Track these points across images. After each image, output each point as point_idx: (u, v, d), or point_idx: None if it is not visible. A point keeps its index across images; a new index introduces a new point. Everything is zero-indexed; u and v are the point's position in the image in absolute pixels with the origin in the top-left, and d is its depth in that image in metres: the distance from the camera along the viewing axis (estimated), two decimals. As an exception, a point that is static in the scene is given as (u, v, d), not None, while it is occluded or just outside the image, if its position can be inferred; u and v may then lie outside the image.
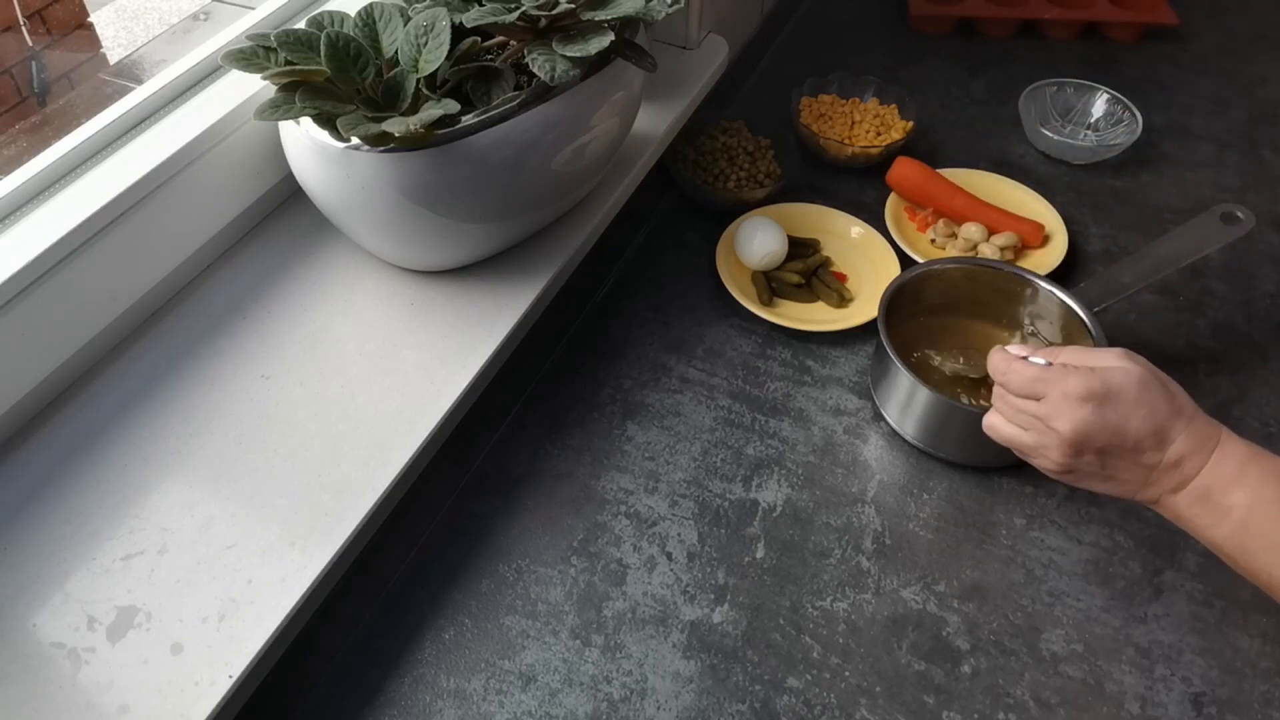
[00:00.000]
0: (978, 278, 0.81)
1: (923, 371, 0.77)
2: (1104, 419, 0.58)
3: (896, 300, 0.78)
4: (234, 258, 0.75)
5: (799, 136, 1.04)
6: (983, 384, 0.78)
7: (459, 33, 0.63)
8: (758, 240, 0.88)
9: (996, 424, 0.65)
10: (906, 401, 0.75)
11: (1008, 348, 0.65)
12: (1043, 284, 0.78)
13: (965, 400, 0.77)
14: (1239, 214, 0.79)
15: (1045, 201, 0.96)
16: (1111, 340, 0.73)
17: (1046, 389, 0.60)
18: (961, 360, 0.79)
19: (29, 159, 0.64)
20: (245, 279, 0.74)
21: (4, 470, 0.62)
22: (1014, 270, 0.80)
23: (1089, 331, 0.74)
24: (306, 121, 0.63)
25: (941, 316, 0.82)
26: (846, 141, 1.01)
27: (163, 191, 0.66)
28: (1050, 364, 0.62)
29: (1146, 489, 0.59)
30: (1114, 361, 0.60)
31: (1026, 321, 0.80)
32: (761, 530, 0.72)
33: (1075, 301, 0.75)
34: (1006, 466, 0.75)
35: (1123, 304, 0.79)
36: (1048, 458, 0.61)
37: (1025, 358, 0.63)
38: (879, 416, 0.79)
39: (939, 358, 0.80)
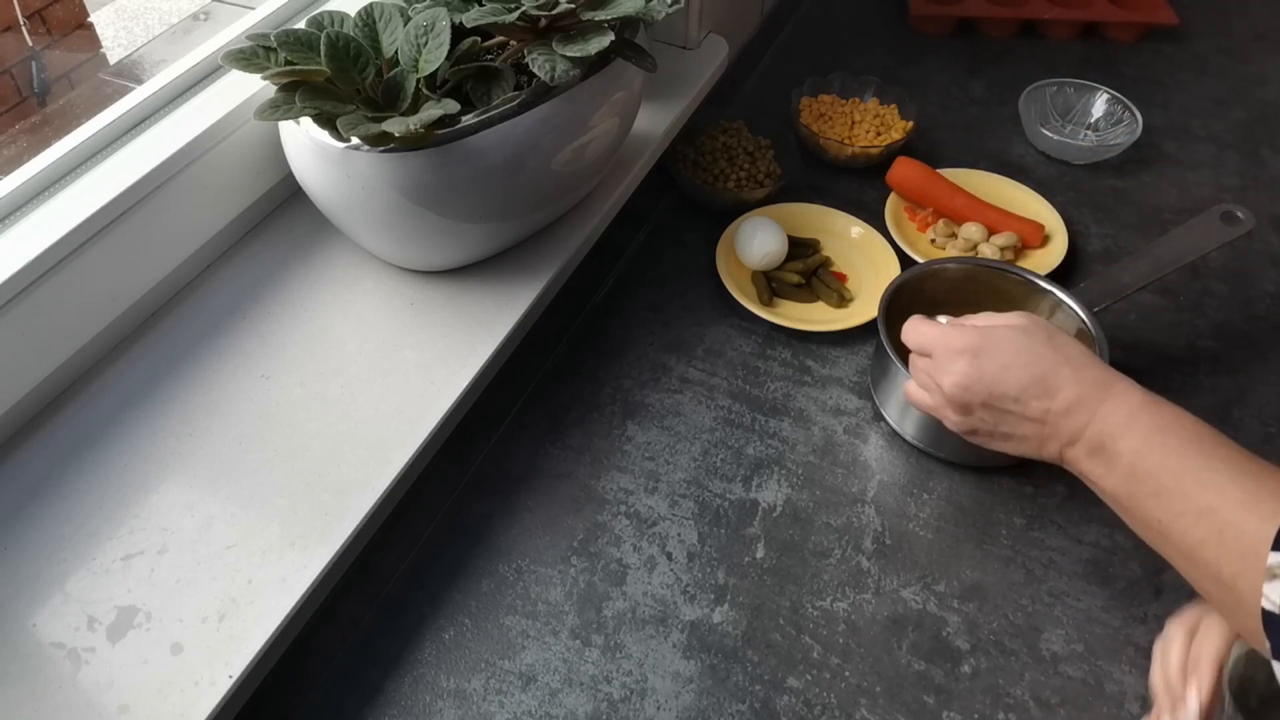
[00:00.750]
0: (978, 277, 0.81)
1: None
2: (980, 370, 0.59)
3: (896, 300, 0.78)
4: (234, 258, 0.75)
5: (799, 136, 1.04)
6: None
7: (459, 33, 0.63)
8: (758, 240, 0.88)
9: (909, 388, 0.67)
10: (907, 401, 0.75)
11: (923, 317, 0.66)
12: (1043, 284, 0.78)
13: None
14: (1239, 214, 0.79)
15: (1045, 201, 0.96)
16: (1111, 340, 0.73)
17: (933, 346, 0.62)
18: None
19: (29, 159, 0.64)
20: (245, 279, 0.74)
21: (4, 470, 0.62)
22: (1014, 270, 0.80)
23: (1089, 332, 0.74)
24: (306, 121, 0.63)
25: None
26: (846, 141, 1.01)
27: (163, 191, 0.66)
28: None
29: (1046, 444, 0.59)
30: (1008, 320, 0.61)
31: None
32: (761, 530, 0.72)
33: (1075, 301, 0.75)
34: (1006, 466, 0.75)
35: (1123, 304, 0.79)
36: (946, 417, 0.63)
37: (934, 322, 0.65)
38: (879, 416, 0.79)
39: None
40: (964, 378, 0.60)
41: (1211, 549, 0.49)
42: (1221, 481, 0.50)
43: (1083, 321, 0.75)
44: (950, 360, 0.61)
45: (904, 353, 0.75)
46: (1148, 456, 0.53)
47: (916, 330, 0.65)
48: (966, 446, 0.74)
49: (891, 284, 0.79)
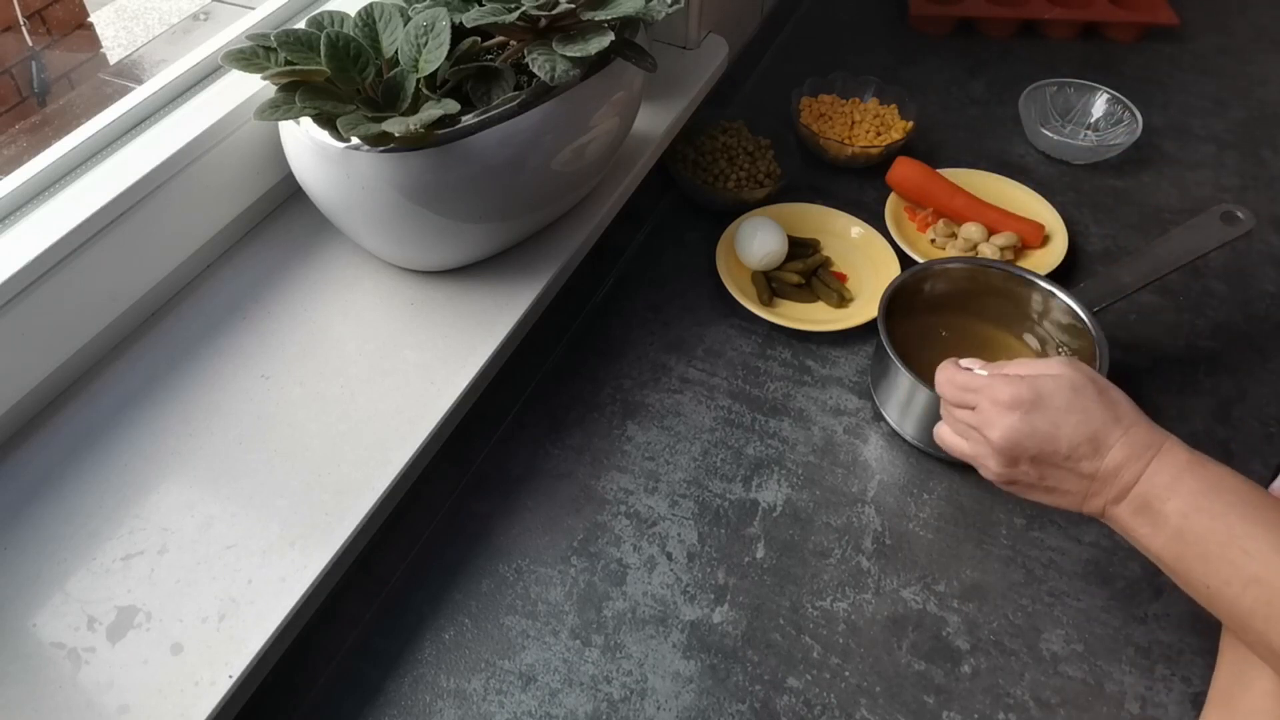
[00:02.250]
0: (978, 277, 0.81)
1: (924, 372, 0.77)
2: (1033, 426, 0.57)
3: (897, 300, 0.78)
4: (234, 258, 0.75)
5: (799, 136, 1.04)
6: None
7: (459, 33, 0.63)
8: (758, 240, 0.88)
9: (942, 433, 0.65)
10: (907, 401, 0.75)
11: (959, 361, 0.64)
12: (1043, 284, 0.78)
13: None
14: (1239, 214, 0.79)
15: (1045, 201, 0.96)
16: (1111, 340, 0.73)
17: (977, 398, 0.60)
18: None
19: (29, 159, 0.64)
20: (245, 279, 0.74)
21: (4, 470, 0.62)
22: (1014, 270, 0.80)
23: (1089, 332, 0.74)
24: (306, 121, 0.63)
25: (942, 316, 0.82)
26: (846, 141, 1.01)
27: (163, 191, 0.66)
28: (989, 375, 0.61)
29: (1090, 500, 0.58)
30: (1051, 369, 0.59)
31: (1036, 319, 0.80)
32: (761, 530, 0.72)
33: (1075, 302, 0.75)
34: None
35: (1123, 304, 0.79)
36: (987, 467, 0.60)
37: (971, 370, 0.62)
38: (879, 416, 0.79)
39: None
40: (1014, 433, 0.57)
41: (1260, 620, 0.49)
42: (1266, 551, 0.50)
43: (1082, 322, 0.75)
44: (1000, 414, 0.58)
45: (904, 353, 0.75)
46: (1194, 520, 0.53)
47: (954, 380, 0.62)
48: None
49: (891, 284, 0.79)
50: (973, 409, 0.60)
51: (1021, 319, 0.81)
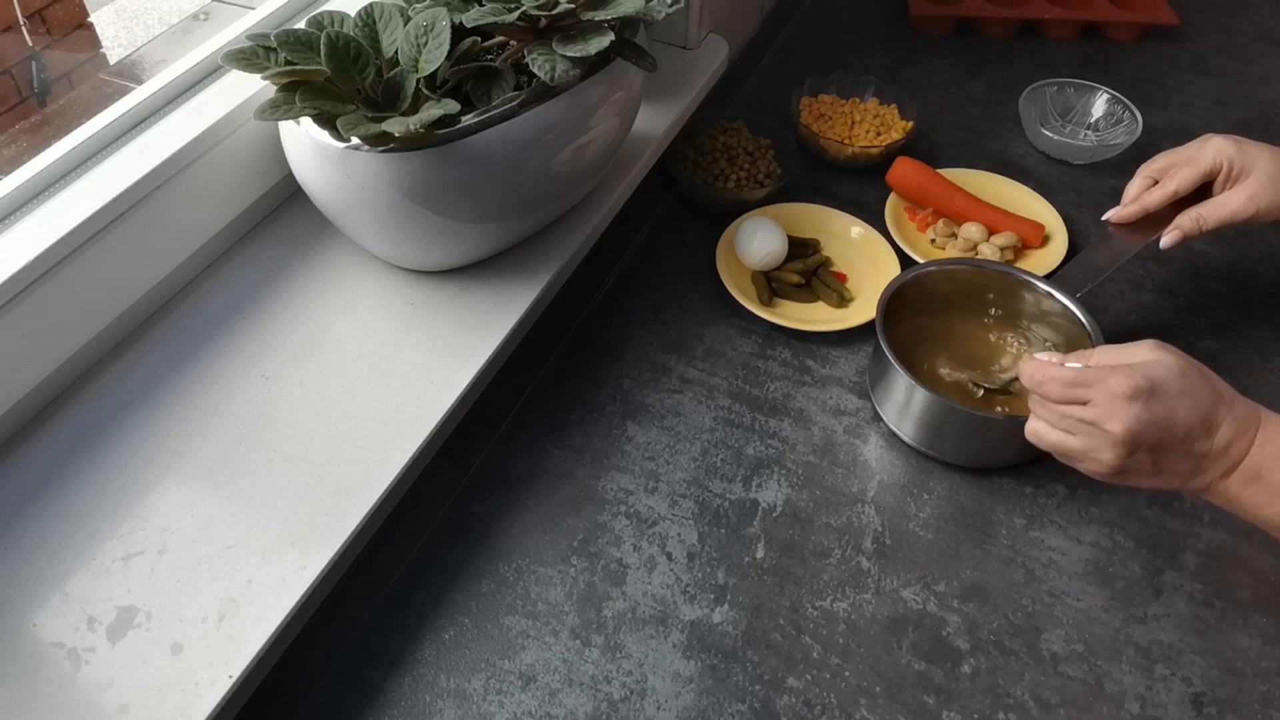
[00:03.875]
0: (975, 278, 0.81)
1: (922, 374, 0.77)
2: (1153, 414, 0.57)
3: (895, 302, 0.78)
4: (234, 258, 0.75)
5: (799, 136, 1.04)
6: (999, 393, 0.78)
7: (459, 33, 0.63)
8: (758, 240, 0.88)
9: (1041, 430, 0.63)
10: (905, 403, 0.75)
11: (1037, 355, 0.64)
12: (1040, 284, 0.78)
13: (971, 395, 0.77)
14: None
15: (1045, 201, 0.96)
16: (1111, 340, 0.73)
17: (1090, 392, 0.59)
18: (972, 376, 0.79)
19: (29, 159, 0.64)
20: (245, 279, 0.74)
21: (4, 470, 0.62)
22: (1011, 271, 0.80)
23: (1087, 330, 0.74)
24: (306, 121, 0.63)
25: (940, 317, 0.82)
26: (846, 141, 1.01)
27: (163, 191, 0.66)
28: (1085, 366, 0.60)
29: (1196, 477, 0.59)
30: (1148, 354, 0.59)
31: (1032, 318, 0.80)
32: (761, 530, 0.72)
33: (1074, 304, 0.75)
34: (1006, 467, 0.75)
35: (1123, 304, 0.79)
36: (1099, 460, 0.59)
37: (1061, 364, 0.62)
38: (879, 417, 0.79)
39: (948, 369, 0.80)
40: (1138, 424, 0.57)
41: None
42: None
43: (1080, 323, 0.74)
44: (1121, 406, 0.57)
45: (902, 354, 0.74)
46: None
47: (1058, 376, 0.61)
48: (965, 447, 0.75)
49: (888, 287, 0.79)
50: (1084, 404, 0.59)
51: (1017, 317, 0.81)
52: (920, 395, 0.72)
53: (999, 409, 0.77)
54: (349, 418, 0.65)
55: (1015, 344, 0.81)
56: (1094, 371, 0.59)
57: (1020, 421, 0.65)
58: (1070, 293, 0.76)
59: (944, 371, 0.80)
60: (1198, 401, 0.58)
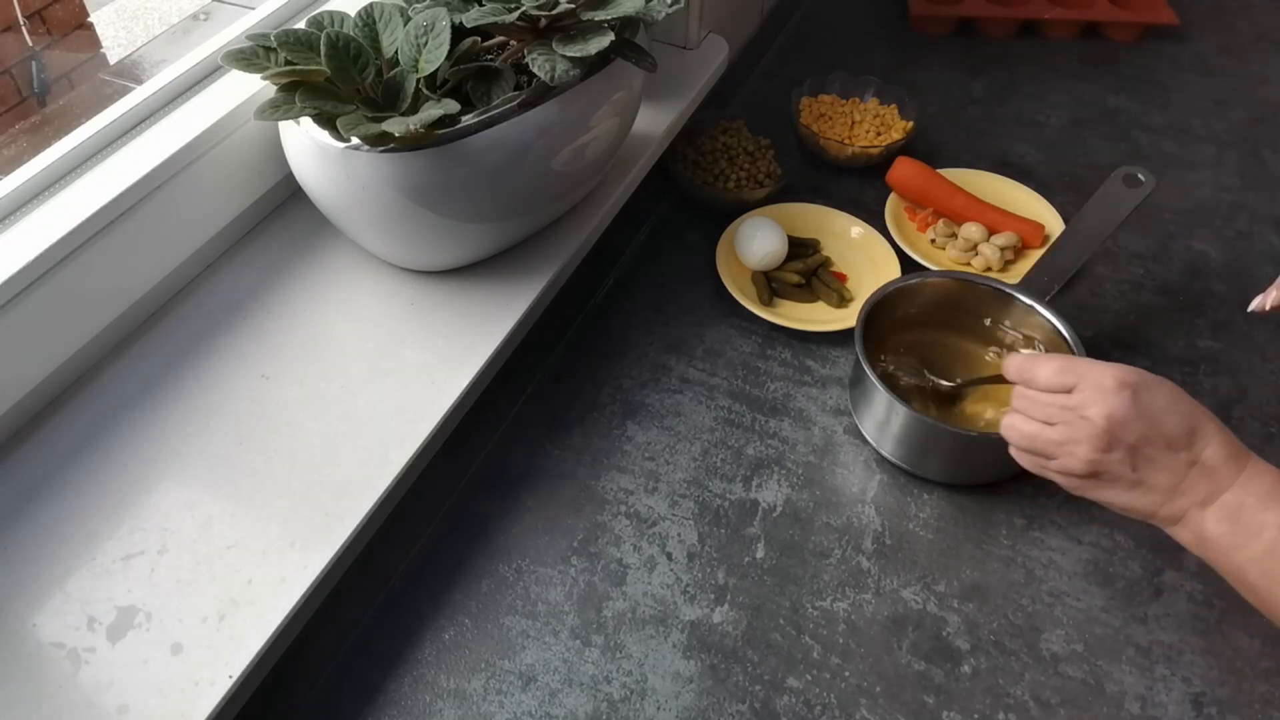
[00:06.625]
0: (952, 291, 0.79)
1: (902, 392, 0.75)
2: (1140, 407, 0.55)
3: (874, 320, 0.77)
4: (234, 258, 0.75)
5: (799, 136, 1.04)
6: (956, 398, 0.78)
7: (459, 33, 0.63)
8: (758, 240, 0.88)
9: (1017, 422, 0.61)
10: (885, 420, 0.74)
11: (1022, 351, 0.63)
12: (1022, 298, 0.76)
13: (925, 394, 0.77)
14: (1140, 175, 0.80)
15: (1045, 201, 0.96)
16: (1112, 340, 0.73)
17: (1078, 379, 0.57)
18: (924, 374, 0.78)
19: (29, 159, 0.64)
20: (245, 279, 0.74)
21: (4, 470, 0.62)
22: (984, 281, 0.79)
23: (1065, 339, 0.73)
24: (306, 121, 0.63)
25: (915, 332, 0.81)
26: (846, 141, 1.01)
27: (162, 192, 0.66)
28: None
29: (1174, 500, 0.56)
30: (1138, 370, 0.58)
31: (1007, 328, 0.79)
32: (761, 530, 0.72)
33: (1048, 310, 0.75)
34: (988, 484, 0.75)
35: (1123, 304, 0.79)
36: (1075, 455, 0.57)
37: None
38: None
39: (902, 373, 0.78)
40: (1122, 412, 0.55)
41: None
42: None
43: (1059, 332, 0.74)
44: (1108, 394, 0.56)
45: (884, 375, 0.73)
46: None
47: (1045, 364, 0.59)
48: (950, 465, 0.73)
49: (866, 303, 0.77)
50: (1068, 391, 0.58)
51: (994, 328, 0.80)
52: (900, 413, 0.71)
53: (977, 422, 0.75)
54: (349, 418, 0.65)
55: (991, 352, 0.81)
56: (1083, 363, 0.58)
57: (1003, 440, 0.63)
58: (1038, 297, 0.76)
59: (902, 376, 0.78)
60: (1186, 411, 0.56)
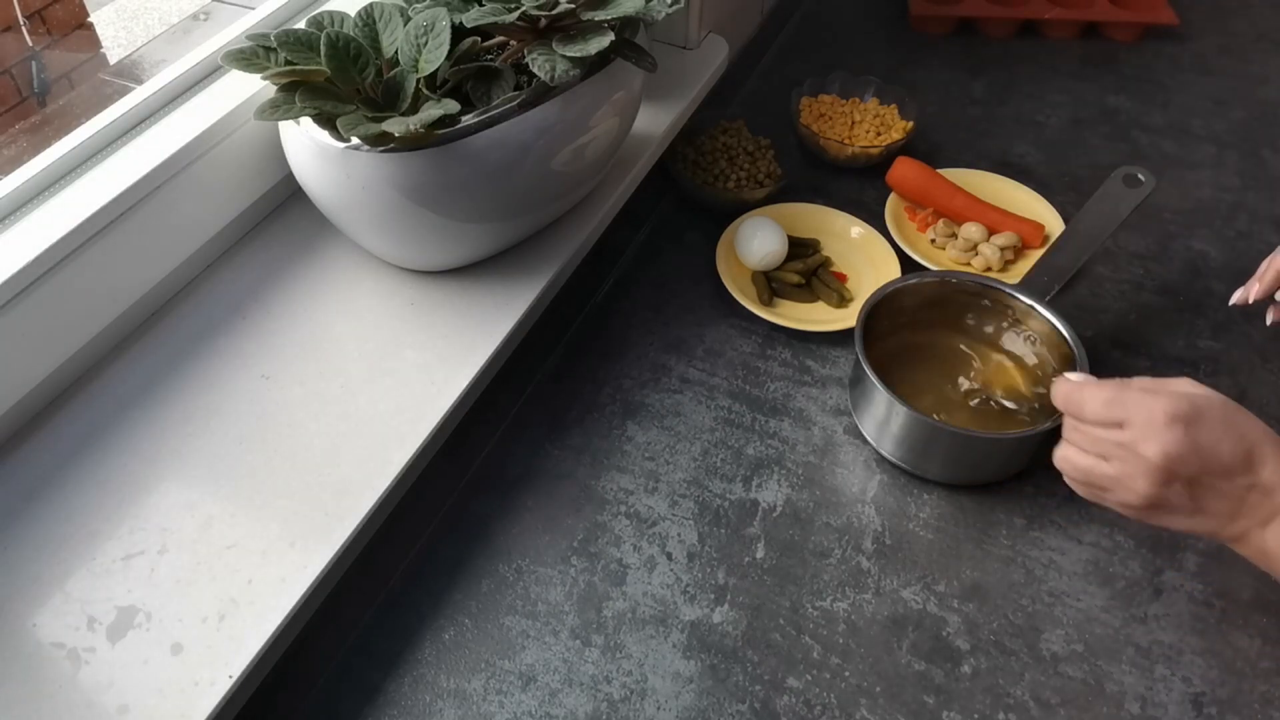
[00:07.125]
0: (952, 291, 0.79)
1: (903, 391, 0.75)
2: (1195, 441, 0.54)
3: (873, 319, 0.77)
4: (234, 258, 0.75)
5: (799, 136, 1.04)
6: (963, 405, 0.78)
7: (459, 33, 0.63)
8: (758, 240, 0.88)
9: (1071, 455, 0.59)
10: (885, 419, 0.74)
11: (1069, 376, 0.61)
12: (1009, 291, 0.77)
13: (941, 416, 0.77)
14: (1140, 175, 0.80)
15: (1045, 201, 0.96)
16: (1112, 340, 0.73)
17: (1127, 413, 0.56)
18: (967, 384, 0.78)
19: (29, 159, 0.64)
20: (245, 279, 0.74)
21: (4, 470, 0.62)
22: (981, 281, 0.78)
23: (1065, 339, 0.73)
24: (306, 121, 0.63)
25: (916, 333, 0.81)
26: (846, 141, 1.01)
27: (162, 191, 0.66)
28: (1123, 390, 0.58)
29: (1235, 522, 0.55)
30: (1189, 387, 0.56)
31: (1007, 328, 0.79)
32: (761, 530, 0.72)
33: (1048, 310, 0.75)
34: (990, 483, 0.75)
35: (1123, 304, 0.79)
36: (1133, 490, 0.56)
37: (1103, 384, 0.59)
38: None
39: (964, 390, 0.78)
40: (1178, 448, 0.53)
41: None
42: None
43: (1059, 332, 0.74)
44: (1160, 430, 0.54)
45: (883, 374, 0.73)
46: None
47: (1094, 396, 0.57)
48: (950, 465, 0.73)
49: (866, 303, 0.77)
50: (1120, 426, 0.56)
51: (994, 325, 0.80)
52: (901, 413, 0.71)
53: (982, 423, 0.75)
54: (349, 418, 0.65)
55: (993, 355, 0.81)
56: (1133, 393, 0.56)
57: (1006, 440, 0.63)
58: (1038, 297, 0.76)
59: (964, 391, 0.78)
60: (1241, 434, 0.54)
